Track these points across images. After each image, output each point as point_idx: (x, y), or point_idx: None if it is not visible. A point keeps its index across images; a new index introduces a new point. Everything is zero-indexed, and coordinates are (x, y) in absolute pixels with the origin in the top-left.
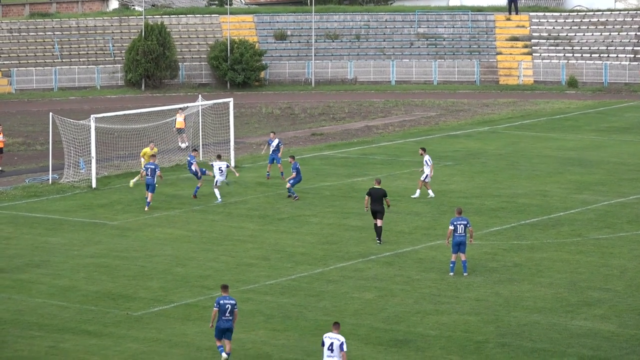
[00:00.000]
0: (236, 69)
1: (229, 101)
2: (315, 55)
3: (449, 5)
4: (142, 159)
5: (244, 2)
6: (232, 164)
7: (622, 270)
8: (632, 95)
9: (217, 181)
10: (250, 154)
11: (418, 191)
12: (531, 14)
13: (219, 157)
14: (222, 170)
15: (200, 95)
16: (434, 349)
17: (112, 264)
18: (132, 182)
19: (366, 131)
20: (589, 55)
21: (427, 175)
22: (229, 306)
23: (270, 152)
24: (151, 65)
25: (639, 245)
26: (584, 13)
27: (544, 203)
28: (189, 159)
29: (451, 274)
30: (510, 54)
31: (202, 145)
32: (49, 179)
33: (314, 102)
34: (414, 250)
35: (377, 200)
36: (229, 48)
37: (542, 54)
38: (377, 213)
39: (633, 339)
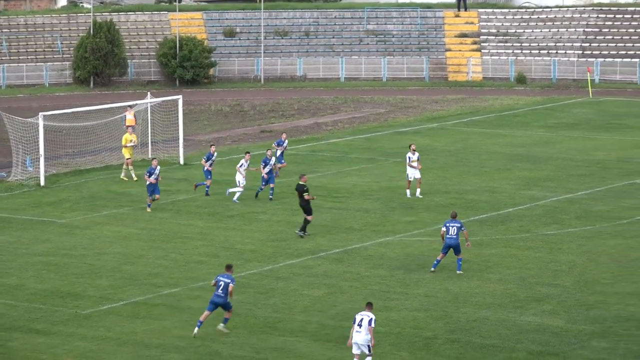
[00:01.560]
0: (185, 66)
1: (178, 98)
2: (264, 52)
3: (397, 2)
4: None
5: None
6: (182, 161)
7: (570, 266)
8: (580, 91)
9: (239, 182)
10: (199, 151)
11: (418, 190)
12: (480, 10)
13: (246, 153)
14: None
15: (149, 93)
16: (384, 345)
17: (60, 262)
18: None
19: (315, 128)
20: (537, 51)
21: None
22: (222, 283)
23: (279, 153)
24: (100, 62)
25: (587, 241)
26: (532, 10)
27: (493, 199)
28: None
29: (432, 269)
30: (459, 50)
31: (151, 142)
32: None
33: (263, 99)
34: (363, 247)
35: (299, 196)
36: (177, 45)
37: (490, 51)
38: (301, 208)
39: (581, 334)
